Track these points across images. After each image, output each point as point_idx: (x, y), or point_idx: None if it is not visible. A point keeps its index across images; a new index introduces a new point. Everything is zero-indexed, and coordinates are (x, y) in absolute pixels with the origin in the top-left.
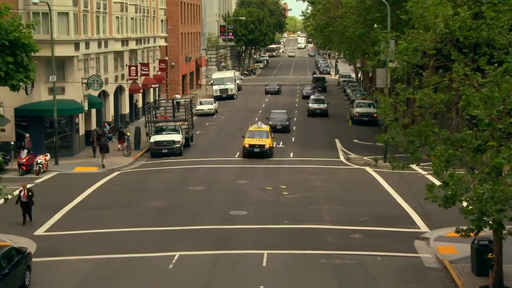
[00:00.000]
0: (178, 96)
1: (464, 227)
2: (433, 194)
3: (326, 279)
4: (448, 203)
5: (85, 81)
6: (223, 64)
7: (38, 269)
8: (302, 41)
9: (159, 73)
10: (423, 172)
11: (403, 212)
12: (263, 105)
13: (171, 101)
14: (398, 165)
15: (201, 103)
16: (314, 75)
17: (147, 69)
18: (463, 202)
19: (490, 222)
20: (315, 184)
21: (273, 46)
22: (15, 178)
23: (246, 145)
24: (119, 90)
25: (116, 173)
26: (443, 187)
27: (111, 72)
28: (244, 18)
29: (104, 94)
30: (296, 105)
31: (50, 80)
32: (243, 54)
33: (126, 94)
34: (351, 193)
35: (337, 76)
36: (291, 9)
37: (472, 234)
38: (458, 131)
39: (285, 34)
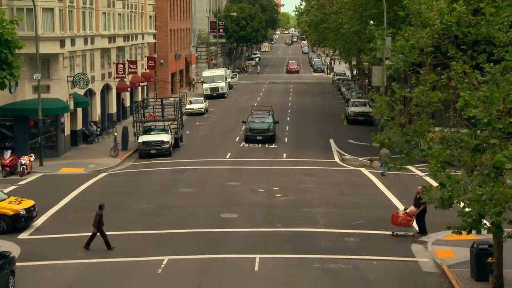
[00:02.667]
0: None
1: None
2: (430, 195)
3: (320, 284)
4: (444, 205)
5: (71, 79)
6: (213, 61)
7: (22, 274)
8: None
9: (147, 71)
10: (420, 174)
11: None
12: (255, 104)
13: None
14: (394, 166)
15: (191, 102)
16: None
17: (135, 67)
18: (462, 203)
19: (489, 225)
20: (309, 186)
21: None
22: None
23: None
24: (106, 89)
25: (103, 174)
26: (440, 189)
27: (98, 70)
28: (235, 14)
29: (90, 93)
30: (289, 104)
31: (34, 78)
32: (235, 52)
33: (113, 92)
34: (346, 195)
35: (332, 74)
36: (283, 5)
37: (464, 234)
38: (456, 131)
39: (278, 31)
